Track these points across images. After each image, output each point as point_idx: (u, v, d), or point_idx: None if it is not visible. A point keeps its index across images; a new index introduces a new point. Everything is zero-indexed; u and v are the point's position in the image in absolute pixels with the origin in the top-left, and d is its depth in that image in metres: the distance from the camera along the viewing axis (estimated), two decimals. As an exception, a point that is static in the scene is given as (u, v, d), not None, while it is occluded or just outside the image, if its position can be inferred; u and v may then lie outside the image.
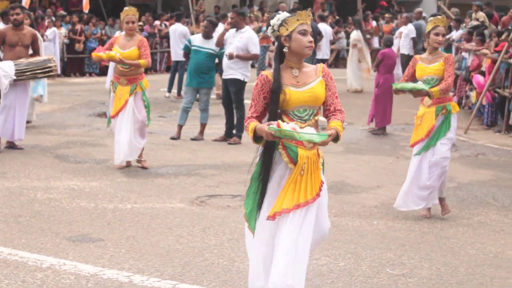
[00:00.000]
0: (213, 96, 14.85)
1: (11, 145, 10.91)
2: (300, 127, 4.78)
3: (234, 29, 12.25)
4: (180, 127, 12.56)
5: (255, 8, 30.50)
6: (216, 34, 12.71)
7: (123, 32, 10.17)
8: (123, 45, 9.86)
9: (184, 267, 6.15)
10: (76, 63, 23.71)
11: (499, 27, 17.97)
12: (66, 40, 23.15)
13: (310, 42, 4.93)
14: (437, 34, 7.95)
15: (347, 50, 23.14)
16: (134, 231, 7.15)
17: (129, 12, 9.94)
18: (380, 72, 14.26)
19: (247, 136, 12.50)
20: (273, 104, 4.88)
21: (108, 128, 10.78)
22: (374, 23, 26.86)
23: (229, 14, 12.92)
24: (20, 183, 8.89)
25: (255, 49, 12.24)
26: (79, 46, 23.39)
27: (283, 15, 4.99)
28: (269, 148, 4.93)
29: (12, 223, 7.22)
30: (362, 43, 19.75)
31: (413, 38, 20.17)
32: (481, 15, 19.49)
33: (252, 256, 5.08)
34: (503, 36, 15.31)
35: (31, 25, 11.90)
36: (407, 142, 12.46)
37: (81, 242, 6.74)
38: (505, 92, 14.56)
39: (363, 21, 22.61)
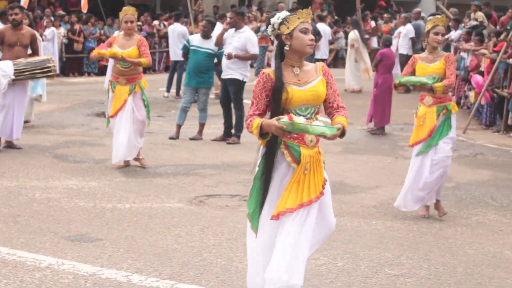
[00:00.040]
0: (212, 96, 14.85)
1: (9, 145, 10.91)
2: None
3: (233, 29, 12.24)
4: (179, 126, 12.56)
5: (254, 8, 30.51)
6: (214, 34, 12.72)
7: (122, 32, 10.17)
8: (122, 44, 9.86)
9: (182, 266, 6.15)
10: (75, 62, 23.70)
11: (498, 27, 17.99)
12: (64, 40, 23.14)
13: (312, 40, 4.94)
14: (436, 34, 7.95)
15: (346, 50, 23.14)
16: (133, 230, 7.15)
17: (128, 12, 9.95)
18: (379, 72, 14.26)
19: (246, 136, 12.59)
20: (276, 103, 4.87)
21: (107, 128, 10.77)
22: (372, 23, 26.87)
23: (228, 14, 12.92)
24: (19, 183, 8.88)
25: (254, 49, 12.24)
26: (78, 46, 23.40)
27: (283, 13, 4.99)
28: (271, 147, 4.93)
29: (10, 223, 7.22)
30: (359, 43, 19.75)
31: (411, 38, 20.18)
32: (480, 15, 19.50)
33: (252, 255, 5.08)
34: (502, 36, 15.31)
35: (29, 25, 11.89)
36: (406, 142, 12.46)
37: (80, 241, 6.74)
38: (503, 92, 14.56)
39: (362, 21, 22.63)
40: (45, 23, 21.40)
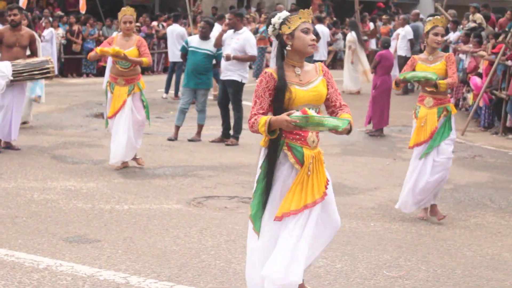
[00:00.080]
0: (210, 97, 14.85)
1: (8, 146, 10.89)
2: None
3: (231, 30, 12.24)
4: (177, 128, 12.56)
5: (253, 9, 30.51)
6: (212, 35, 12.71)
7: (120, 32, 10.17)
8: (121, 45, 9.85)
9: (181, 268, 6.15)
10: (73, 63, 23.69)
11: (496, 29, 18.00)
12: (63, 41, 23.13)
13: (313, 40, 4.94)
14: (436, 34, 7.95)
15: (345, 52, 23.14)
16: (131, 232, 7.15)
17: (126, 12, 9.95)
18: (378, 74, 14.26)
19: (244, 138, 12.59)
20: (279, 102, 4.86)
21: (106, 129, 10.76)
22: (371, 25, 26.87)
23: (227, 15, 12.92)
24: (17, 184, 8.88)
25: (252, 51, 12.23)
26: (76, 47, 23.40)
27: (284, 13, 5.00)
28: (274, 149, 4.93)
29: (8, 224, 7.21)
30: (356, 45, 19.75)
31: (410, 40, 20.19)
32: (479, 17, 19.51)
33: (253, 257, 5.06)
34: (500, 38, 15.32)
35: (28, 26, 11.89)
36: (404, 143, 12.50)
37: (78, 243, 6.73)
38: (502, 94, 14.57)
39: (361, 23, 22.62)
40: (43, 24, 21.40)
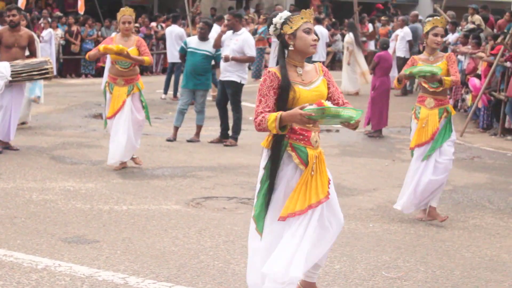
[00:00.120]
0: (209, 98, 14.84)
1: (6, 146, 10.89)
2: (307, 126, 4.85)
3: (230, 31, 12.25)
4: (176, 128, 12.56)
5: (251, 10, 30.50)
6: (211, 36, 12.71)
7: (119, 33, 10.17)
8: (121, 45, 9.85)
9: (179, 269, 6.14)
10: (72, 64, 23.69)
11: (495, 30, 18.01)
12: (62, 41, 23.13)
13: (315, 40, 4.95)
14: (435, 35, 7.94)
15: (343, 53, 23.15)
16: (130, 232, 7.14)
17: (125, 12, 9.95)
18: (377, 75, 14.27)
19: (243, 138, 12.58)
20: (283, 102, 4.86)
21: (105, 130, 10.76)
22: (370, 26, 26.88)
23: (226, 16, 12.93)
24: (16, 184, 8.87)
25: (251, 52, 12.24)
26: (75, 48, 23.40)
27: (285, 13, 5.00)
28: (277, 150, 4.93)
29: (7, 224, 7.21)
30: (353, 46, 19.76)
31: (409, 41, 20.20)
32: (477, 18, 19.53)
33: (254, 258, 5.07)
34: (499, 39, 15.32)
35: (27, 26, 11.89)
36: (403, 144, 12.50)
37: (77, 243, 6.73)
38: (500, 95, 14.58)
39: (359, 24, 22.63)
40: (42, 25, 21.40)
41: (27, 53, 10.97)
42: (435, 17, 8.10)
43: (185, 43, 12.75)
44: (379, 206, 8.74)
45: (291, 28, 4.93)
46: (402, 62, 18.67)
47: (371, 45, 25.16)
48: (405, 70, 7.98)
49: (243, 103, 12.72)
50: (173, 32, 18.85)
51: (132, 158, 10.18)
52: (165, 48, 21.71)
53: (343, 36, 26.30)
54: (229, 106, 12.52)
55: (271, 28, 5.01)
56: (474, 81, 15.43)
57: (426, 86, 8.04)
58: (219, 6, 30.72)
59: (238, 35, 12.20)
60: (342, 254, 6.75)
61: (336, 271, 6.29)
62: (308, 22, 4.96)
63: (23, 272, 5.87)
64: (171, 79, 18.53)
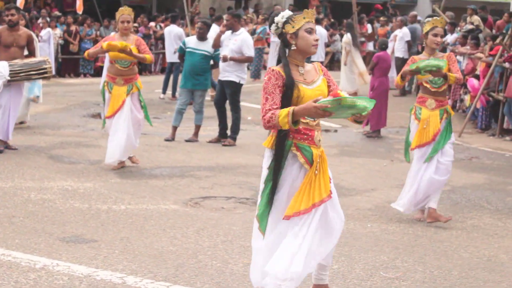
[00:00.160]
0: (207, 98, 14.84)
1: (5, 146, 10.88)
2: (310, 124, 4.90)
3: (229, 31, 12.25)
4: (175, 128, 12.56)
5: (250, 10, 30.51)
6: (210, 36, 12.71)
7: (118, 32, 10.16)
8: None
9: (177, 268, 6.14)
10: (70, 63, 23.69)
11: (494, 31, 18.02)
12: (60, 41, 23.12)
13: (316, 40, 4.96)
14: (435, 35, 7.94)
15: (342, 53, 23.16)
16: (128, 232, 7.14)
17: (124, 12, 9.94)
18: (375, 75, 14.28)
19: (241, 138, 12.58)
20: (287, 100, 4.86)
21: (103, 129, 10.76)
22: (369, 27, 26.89)
23: (225, 16, 12.93)
24: (14, 184, 8.87)
25: (249, 52, 12.25)
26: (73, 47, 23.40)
27: (287, 12, 5.00)
28: (281, 150, 4.94)
29: (5, 224, 7.21)
30: (350, 46, 19.75)
31: (408, 41, 20.21)
32: (476, 18, 19.54)
33: (258, 257, 5.08)
34: (498, 40, 15.34)
35: (26, 26, 11.88)
36: (402, 145, 12.48)
37: (75, 243, 6.72)
38: (499, 96, 14.59)
39: (358, 24, 22.62)
40: (41, 24, 21.39)
41: (26, 52, 10.97)
42: (434, 18, 8.10)
43: (184, 43, 12.76)
44: (377, 206, 8.74)
45: (293, 27, 4.93)
46: (400, 62, 18.69)
47: (370, 46, 25.17)
48: (411, 66, 7.86)
49: (242, 103, 12.72)
50: (172, 32, 18.86)
51: (130, 157, 10.18)
52: (163, 48, 21.72)
53: (341, 36, 26.31)
54: (227, 106, 12.53)
55: (273, 27, 5.01)
56: (472, 82, 15.44)
57: (428, 86, 8.02)
58: (218, 6, 30.72)
59: (237, 35, 12.20)
60: (341, 254, 6.75)
61: (334, 271, 6.29)
62: (310, 22, 4.97)
63: (21, 271, 5.87)
64: (170, 79, 18.53)
